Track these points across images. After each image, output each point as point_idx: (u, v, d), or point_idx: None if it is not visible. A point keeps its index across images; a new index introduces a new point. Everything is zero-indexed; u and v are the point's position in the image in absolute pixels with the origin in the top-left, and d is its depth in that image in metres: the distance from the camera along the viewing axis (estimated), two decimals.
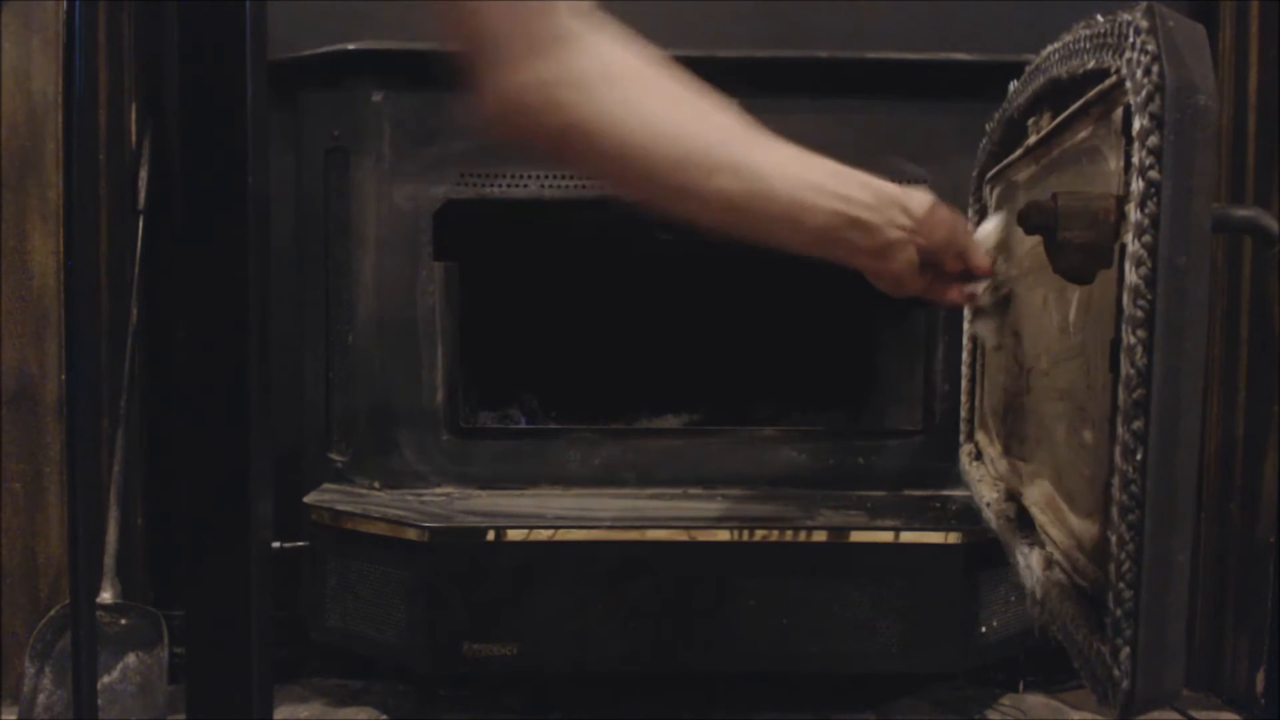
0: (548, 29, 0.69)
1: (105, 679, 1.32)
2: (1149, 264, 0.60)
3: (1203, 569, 1.44)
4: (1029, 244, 0.88)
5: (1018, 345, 0.98)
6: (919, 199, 0.85)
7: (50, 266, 1.38)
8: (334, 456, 1.44)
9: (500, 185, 1.37)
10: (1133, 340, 0.61)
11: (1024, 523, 0.92)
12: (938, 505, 1.34)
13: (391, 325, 1.39)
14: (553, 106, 0.70)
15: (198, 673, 0.51)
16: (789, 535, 1.22)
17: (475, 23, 0.69)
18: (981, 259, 0.91)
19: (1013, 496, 1.00)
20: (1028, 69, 0.92)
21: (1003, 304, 0.98)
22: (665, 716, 1.36)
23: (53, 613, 1.34)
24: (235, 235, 0.50)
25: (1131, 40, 0.63)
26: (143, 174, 1.46)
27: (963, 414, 1.26)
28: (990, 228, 0.99)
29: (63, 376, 1.37)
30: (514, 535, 1.22)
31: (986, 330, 1.04)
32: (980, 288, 0.93)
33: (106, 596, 1.35)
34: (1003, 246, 0.97)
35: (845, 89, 1.37)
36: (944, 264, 0.88)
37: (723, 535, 1.22)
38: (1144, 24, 0.61)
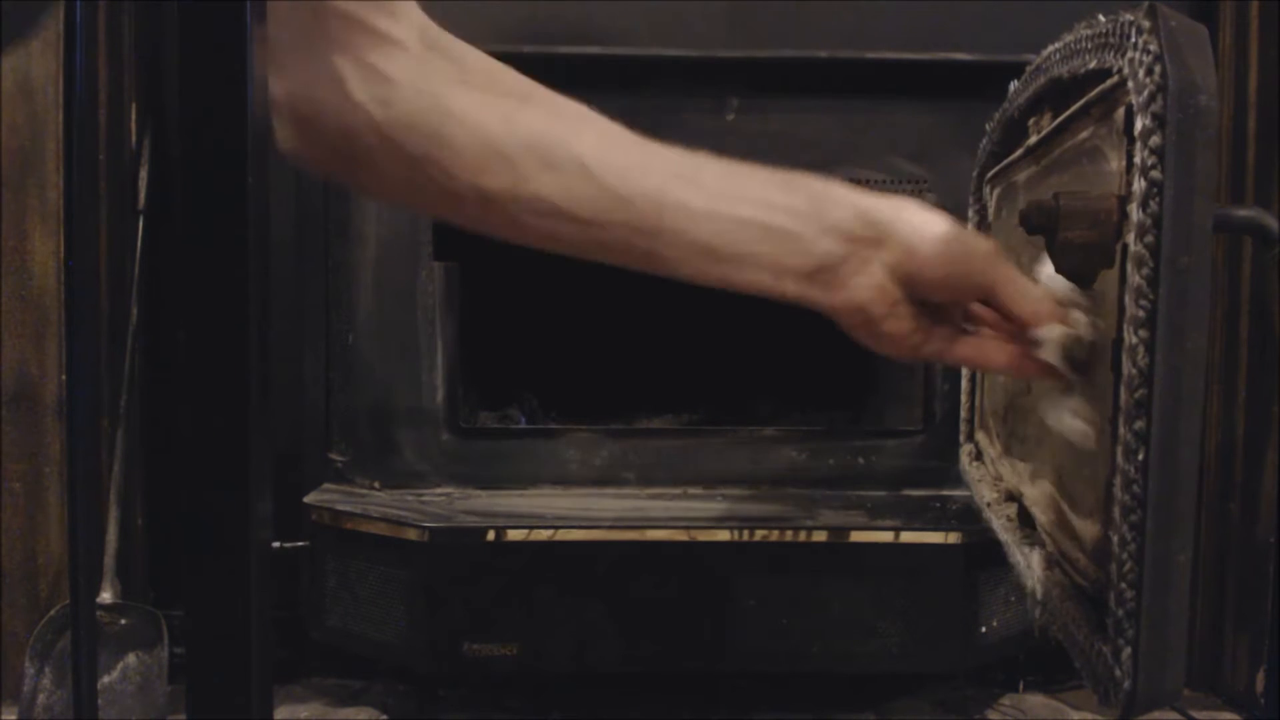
0: (339, 25, 0.59)
1: (105, 679, 1.32)
2: (1151, 264, 0.60)
3: (1203, 569, 1.44)
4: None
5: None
6: (897, 207, 0.63)
7: (50, 266, 1.38)
8: (334, 456, 1.44)
9: None
10: (1134, 340, 0.61)
11: (1025, 523, 0.92)
12: (938, 505, 1.34)
13: (391, 325, 1.39)
14: (349, 106, 0.60)
15: (198, 673, 0.51)
16: (789, 535, 1.22)
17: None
18: (1028, 304, 0.63)
19: (1013, 497, 1.00)
20: (1028, 69, 0.92)
21: (1083, 365, 0.65)
22: (665, 716, 1.36)
23: (53, 613, 1.34)
24: (235, 235, 0.50)
25: (1133, 40, 0.63)
26: (143, 174, 1.45)
27: (963, 414, 1.26)
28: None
29: (63, 376, 1.37)
30: (514, 535, 1.22)
31: (1074, 420, 0.67)
32: (1047, 345, 0.63)
33: (106, 596, 1.35)
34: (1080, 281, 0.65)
35: (845, 89, 1.36)
36: (965, 306, 0.65)
37: (723, 535, 1.22)
38: (1146, 24, 0.61)
